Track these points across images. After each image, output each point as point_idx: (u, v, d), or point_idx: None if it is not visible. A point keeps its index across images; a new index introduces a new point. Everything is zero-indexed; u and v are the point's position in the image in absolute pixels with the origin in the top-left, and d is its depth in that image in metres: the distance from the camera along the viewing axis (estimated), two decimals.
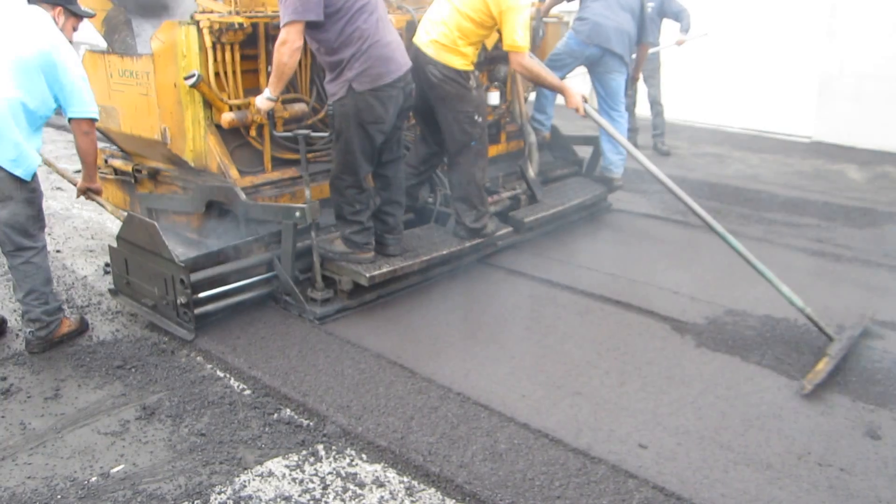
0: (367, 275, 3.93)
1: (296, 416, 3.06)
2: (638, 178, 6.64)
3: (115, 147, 4.88)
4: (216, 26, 3.80)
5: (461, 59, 4.18)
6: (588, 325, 3.90)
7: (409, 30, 4.63)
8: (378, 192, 4.16)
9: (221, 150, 4.05)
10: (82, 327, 3.83)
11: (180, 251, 3.88)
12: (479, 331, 3.82)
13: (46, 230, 3.73)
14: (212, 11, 3.89)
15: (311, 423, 3.01)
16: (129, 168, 4.63)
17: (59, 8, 3.50)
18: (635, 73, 6.15)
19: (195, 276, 3.64)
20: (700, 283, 4.43)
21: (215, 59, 3.91)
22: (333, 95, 3.81)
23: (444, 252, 4.34)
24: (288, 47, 3.58)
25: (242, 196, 3.93)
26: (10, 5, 3.42)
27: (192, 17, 3.82)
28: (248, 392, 3.25)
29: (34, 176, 3.49)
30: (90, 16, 3.68)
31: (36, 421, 3.03)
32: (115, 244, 4.03)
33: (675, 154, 8.05)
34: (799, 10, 8.46)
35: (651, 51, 7.60)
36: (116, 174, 4.80)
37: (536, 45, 5.63)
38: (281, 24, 3.60)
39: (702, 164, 7.60)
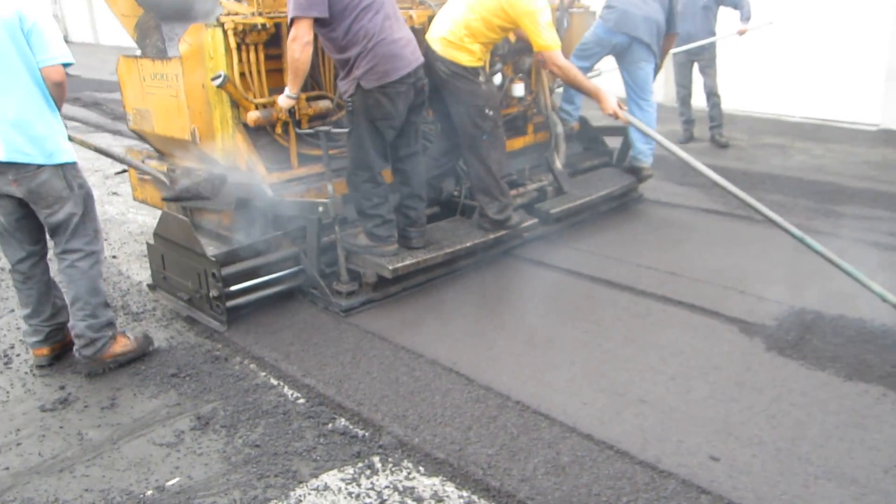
0: (391, 267, 3.98)
1: (351, 427, 2.99)
2: (669, 166, 6.46)
3: (150, 148, 5.03)
4: (240, 27, 3.91)
5: (468, 56, 4.20)
6: (650, 328, 3.74)
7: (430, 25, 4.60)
8: (398, 187, 4.20)
9: (249, 148, 4.15)
10: (141, 349, 3.56)
11: (214, 246, 4.11)
12: (535, 334, 3.70)
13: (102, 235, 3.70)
14: (236, 13, 3.97)
15: (367, 434, 2.93)
16: (163, 168, 4.75)
17: None
18: (659, 63, 5.93)
19: (226, 270, 3.81)
20: (765, 280, 4.22)
21: (240, 60, 4.01)
22: (344, 93, 3.88)
23: (469, 244, 4.34)
24: (298, 43, 3.64)
25: (269, 192, 4.03)
26: None
27: (217, 20, 3.90)
28: (302, 401, 3.19)
29: (77, 168, 3.33)
30: None
31: (93, 431, 3.02)
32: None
33: (735, 146, 7.78)
34: None
35: (708, 41, 7.37)
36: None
37: (561, 37, 5.54)
38: (288, 22, 3.67)
39: (763, 156, 7.32)
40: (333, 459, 2.78)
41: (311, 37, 3.66)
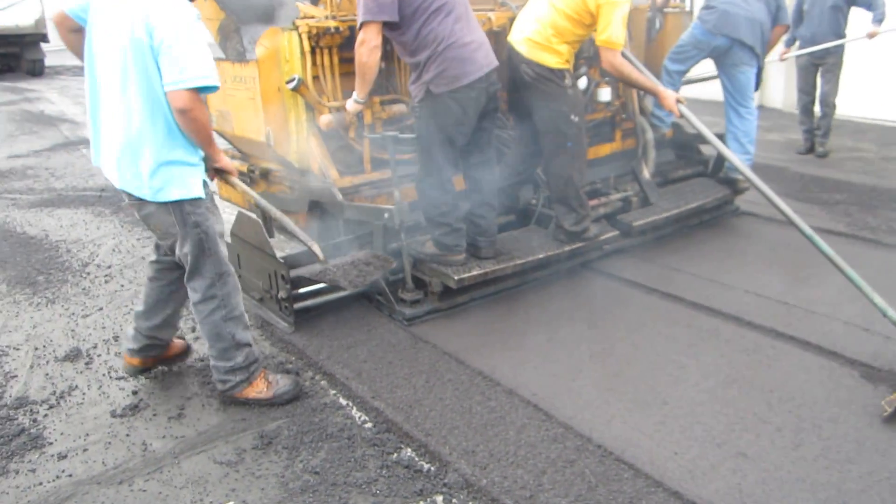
0: (456, 277, 3.87)
1: (416, 459, 2.79)
2: (772, 177, 5.92)
3: (234, 149, 5.09)
4: (314, 31, 3.92)
5: (556, 58, 4.02)
6: (756, 367, 3.36)
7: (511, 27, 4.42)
8: (469, 194, 4.05)
9: (322, 151, 4.14)
10: (278, 398, 3.16)
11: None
12: (624, 367, 3.39)
13: None
14: (311, 17, 3.95)
15: (432, 469, 2.72)
16: (244, 168, 4.78)
17: None
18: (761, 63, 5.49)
19: (294, 272, 3.81)
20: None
21: (314, 63, 4.01)
22: (414, 98, 3.77)
23: (541, 256, 4.17)
24: (366, 47, 3.59)
25: (339, 196, 4.01)
26: None
27: (293, 24, 3.90)
28: (368, 425, 3.02)
29: (197, 205, 2.90)
30: None
31: (157, 442, 2.96)
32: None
33: (862, 158, 7.11)
34: None
35: (833, 43, 6.74)
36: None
37: (652, 38, 5.36)
38: (357, 26, 3.59)
39: (894, 170, 6.64)
40: (394, 496, 2.59)
41: (379, 41, 3.61)
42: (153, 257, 3.27)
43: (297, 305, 3.89)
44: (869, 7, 6.69)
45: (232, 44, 4.81)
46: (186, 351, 3.57)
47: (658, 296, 4.15)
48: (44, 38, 17.44)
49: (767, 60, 5.48)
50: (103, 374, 3.52)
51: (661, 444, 2.81)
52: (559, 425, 2.93)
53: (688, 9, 5.81)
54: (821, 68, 7.05)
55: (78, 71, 18.66)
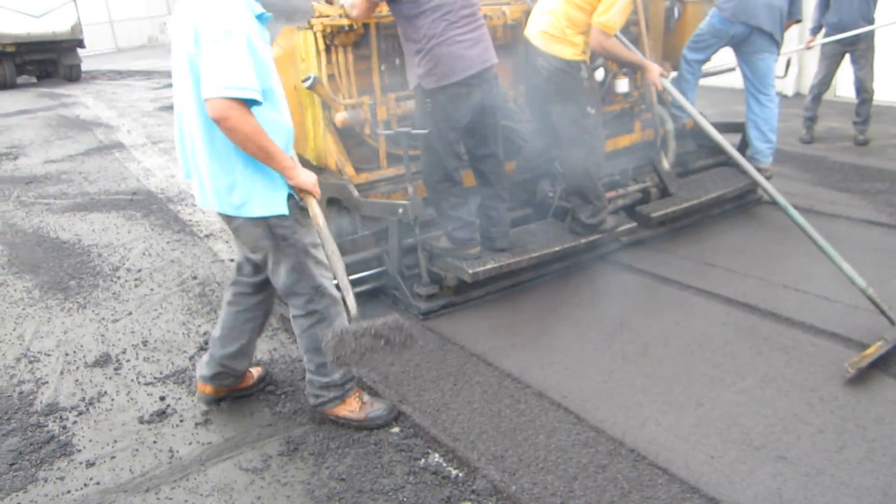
0: (471, 271, 3.85)
1: (444, 465, 2.74)
2: (799, 163, 5.75)
3: None
4: (328, 29, 3.92)
5: (571, 49, 4.01)
6: (795, 366, 3.24)
7: (526, 21, 4.40)
8: (479, 188, 4.04)
9: (338, 148, 4.17)
10: (370, 422, 2.97)
11: None
12: (658, 366, 3.30)
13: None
14: (326, 16, 3.96)
15: (460, 475, 2.67)
16: None
17: None
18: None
19: None
20: None
21: (329, 61, 4.03)
22: (410, 84, 3.85)
23: (557, 248, 4.14)
24: (357, 9, 3.74)
25: (354, 192, 4.03)
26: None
27: (308, 22, 3.91)
28: (395, 430, 2.97)
29: (286, 219, 2.73)
30: None
31: (184, 449, 2.95)
32: None
33: (892, 144, 6.86)
34: None
35: (865, 29, 6.53)
36: None
37: (671, 27, 5.30)
38: None
39: None
40: (421, 503, 2.54)
41: (365, 7, 3.73)
42: (233, 278, 3.11)
43: None
44: None
45: None
46: (263, 379, 3.37)
47: (692, 292, 4.03)
48: (80, 43, 17.75)
49: (788, 51, 5.33)
50: (132, 380, 3.53)
51: (696, 448, 2.72)
52: (590, 429, 2.85)
53: None
54: (852, 55, 6.81)
55: (113, 76, 18.97)
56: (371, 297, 4.13)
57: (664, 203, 4.78)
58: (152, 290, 4.62)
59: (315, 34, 3.93)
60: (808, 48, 7.11)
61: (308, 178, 2.69)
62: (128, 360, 3.72)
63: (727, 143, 4.19)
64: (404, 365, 3.44)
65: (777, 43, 5.10)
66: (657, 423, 2.88)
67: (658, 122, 5.11)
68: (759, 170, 5.09)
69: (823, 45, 6.83)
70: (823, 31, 6.83)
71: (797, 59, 9.08)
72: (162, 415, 3.20)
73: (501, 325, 3.81)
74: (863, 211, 5.17)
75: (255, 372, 3.36)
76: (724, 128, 5.47)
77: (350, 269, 3.90)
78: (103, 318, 4.23)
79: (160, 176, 7.73)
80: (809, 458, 2.63)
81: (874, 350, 3.16)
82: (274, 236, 2.73)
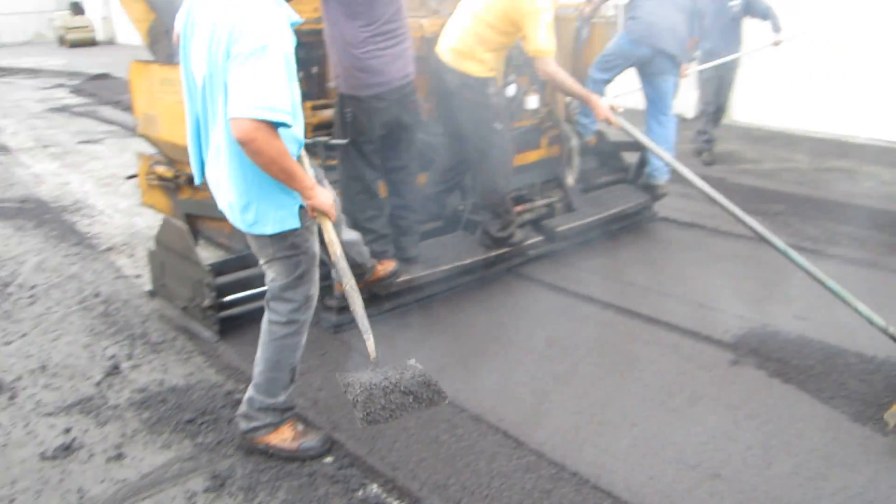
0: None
1: (384, 496, 2.63)
2: (683, 184, 6.08)
3: (160, 154, 4.93)
4: None
5: (479, 66, 4.04)
6: (719, 384, 3.33)
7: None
8: (390, 199, 4.03)
9: None
10: (302, 454, 2.82)
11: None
12: (590, 386, 3.31)
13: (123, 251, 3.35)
14: None
15: None
16: (170, 174, 4.69)
17: None
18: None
19: (221, 280, 3.76)
20: (861, 333, 3.76)
21: None
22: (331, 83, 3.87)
23: (468, 261, 4.22)
24: None
25: None
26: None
27: None
28: (329, 460, 2.84)
29: (294, 235, 2.63)
30: None
31: (95, 488, 2.70)
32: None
33: (795, 169, 7.29)
34: None
35: (742, 53, 7.17)
36: (161, 180, 4.88)
37: (579, 48, 5.44)
38: None
39: (827, 181, 6.82)
40: None
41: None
42: None
43: (223, 314, 3.81)
44: (764, 17, 7.03)
45: (162, 46, 4.65)
46: (396, 273, 3.76)
47: (614, 311, 4.09)
48: None
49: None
50: (30, 411, 3.23)
51: (635, 469, 2.73)
52: (531, 453, 2.82)
53: (614, 20, 5.88)
54: (722, 80, 7.32)
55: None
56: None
57: (569, 218, 4.92)
58: (49, 308, 4.27)
59: None
60: (684, 77, 7.47)
61: (326, 199, 2.57)
62: (24, 388, 3.41)
63: (685, 168, 4.08)
64: (333, 390, 3.31)
65: (678, 65, 5.34)
66: (595, 445, 2.88)
67: (565, 138, 5.24)
68: (655, 187, 5.41)
69: (701, 71, 7.20)
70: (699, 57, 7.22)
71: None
72: (67, 449, 2.93)
73: (427, 344, 3.74)
74: (721, 222, 5.45)
75: (385, 267, 3.69)
76: (626, 147, 5.78)
77: (255, 282, 3.84)
78: None
79: (52, 183, 7.22)
80: (742, 475, 2.70)
81: None
82: (282, 246, 2.64)
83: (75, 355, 3.71)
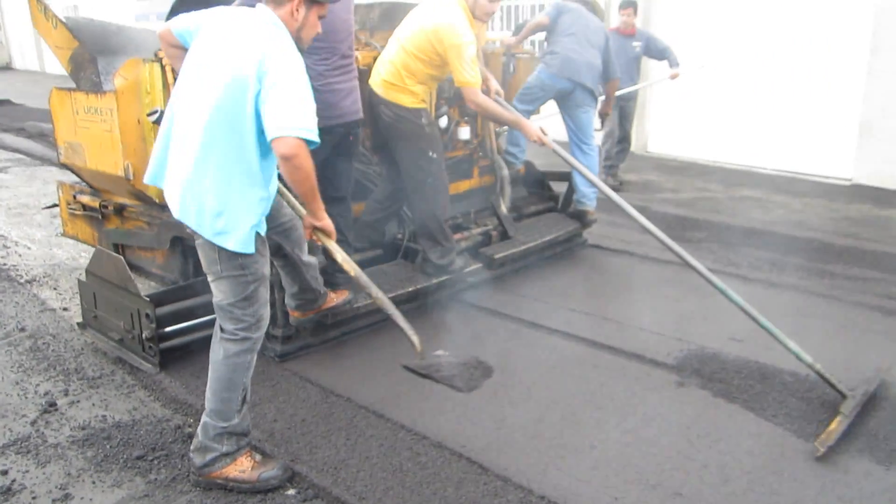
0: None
1: None
2: (610, 212, 6.40)
3: (83, 183, 4.88)
4: None
5: (411, 98, 4.19)
6: (668, 405, 3.44)
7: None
8: None
9: None
10: (263, 484, 2.75)
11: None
12: (545, 411, 3.36)
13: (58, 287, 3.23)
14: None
15: None
16: (96, 204, 4.61)
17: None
18: (606, 109, 6.25)
19: (161, 311, 3.68)
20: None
21: None
22: None
23: (411, 289, 4.27)
24: None
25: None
26: (224, 27, 2.65)
27: (155, 55, 3.76)
28: (291, 492, 2.77)
29: (249, 259, 2.66)
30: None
31: None
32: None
33: (711, 198, 7.66)
34: (837, 48, 8.14)
35: (632, 88, 7.68)
36: (85, 210, 4.80)
37: (506, 81, 5.67)
38: None
39: (742, 209, 7.20)
40: None
41: None
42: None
43: (163, 345, 3.70)
44: (662, 56, 7.77)
45: (86, 74, 4.57)
46: (349, 303, 3.77)
47: (560, 336, 4.17)
48: None
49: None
50: None
51: (599, 490, 2.78)
52: (496, 478, 2.83)
53: (537, 54, 6.16)
54: (624, 110, 7.87)
55: None
56: None
57: (505, 245, 5.03)
58: None
59: (164, 66, 3.78)
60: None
61: (330, 222, 2.87)
62: None
63: (631, 207, 4.24)
64: (288, 421, 3.23)
65: (595, 98, 5.65)
66: (558, 468, 2.92)
67: (497, 168, 5.38)
68: (584, 213, 5.64)
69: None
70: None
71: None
72: (8, 492, 2.75)
73: (379, 371, 3.72)
74: (615, 243, 5.80)
75: (339, 295, 3.69)
76: (553, 177, 6.00)
77: (198, 311, 3.81)
78: None
79: None
80: (701, 493, 2.78)
81: (836, 426, 3.14)
82: (231, 266, 2.66)
83: (5, 392, 3.49)
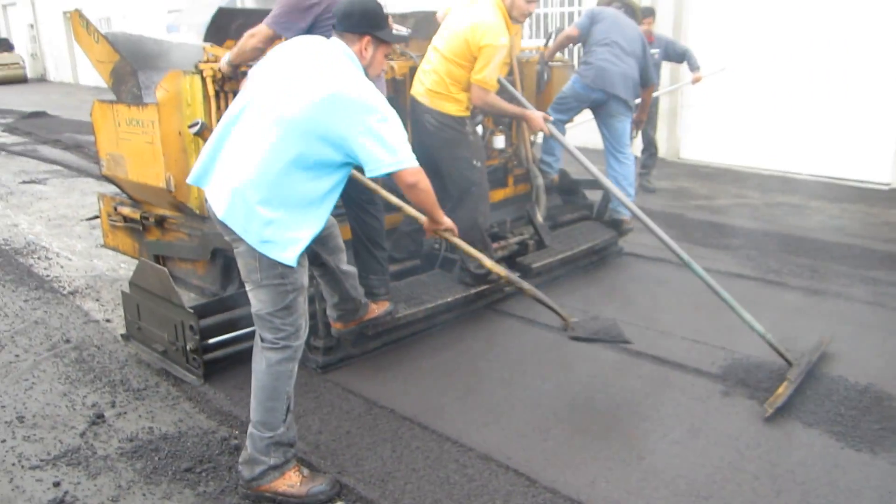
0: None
1: None
2: (668, 224, 6.30)
3: (124, 195, 4.94)
4: (218, 75, 3.84)
5: (456, 106, 4.23)
6: (715, 415, 3.39)
7: (412, 76, 4.59)
8: (354, 235, 4.00)
9: None
10: (314, 496, 2.75)
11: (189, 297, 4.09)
12: (589, 420, 3.33)
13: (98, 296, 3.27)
14: (216, 59, 3.90)
15: None
16: (137, 216, 4.68)
17: (366, 38, 2.78)
18: (641, 116, 6.16)
19: (204, 322, 3.68)
20: (840, 359, 3.90)
21: (218, 108, 3.90)
22: None
23: (450, 299, 4.26)
24: (251, 42, 3.61)
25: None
26: (303, 49, 2.76)
27: (196, 67, 3.82)
28: None
29: (290, 271, 2.68)
30: (404, 40, 3.03)
31: None
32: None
33: (747, 204, 7.57)
34: (875, 51, 8.01)
35: (667, 89, 7.95)
36: (126, 221, 4.87)
37: (541, 90, 5.68)
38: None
39: (779, 216, 7.10)
40: None
41: (262, 46, 3.61)
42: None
43: (207, 357, 3.72)
44: (680, 60, 7.72)
45: (127, 87, 4.64)
46: (391, 313, 3.81)
47: (600, 345, 4.13)
48: None
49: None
50: (13, 464, 3.05)
51: (651, 503, 2.74)
52: (545, 490, 2.80)
53: (570, 63, 6.13)
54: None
55: None
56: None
57: (542, 254, 5.01)
58: (17, 356, 4.07)
59: (204, 79, 3.84)
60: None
61: (449, 220, 3.18)
62: (3, 441, 3.23)
63: (606, 179, 4.67)
64: (333, 432, 3.24)
65: (630, 108, 5.59)
66: (607, 481, 2.88)
67: (532, 177, 5.36)
68: (620, 221, 5.60)
69: None
70: None
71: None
72: None
73: (422, 382, 3.71)
74: (729, 265, 5.59)
75: (380, 306, 3.73)
76: (587, 185, 5.97)
77: (240, 323, 3.83)
78: None
79: None
80: None
81: (783, 390, 3.44)
82: (272, 274, 2.66)
83: (53, 404, 3.54)
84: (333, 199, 2.75)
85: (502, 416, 3.38)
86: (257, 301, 2.72)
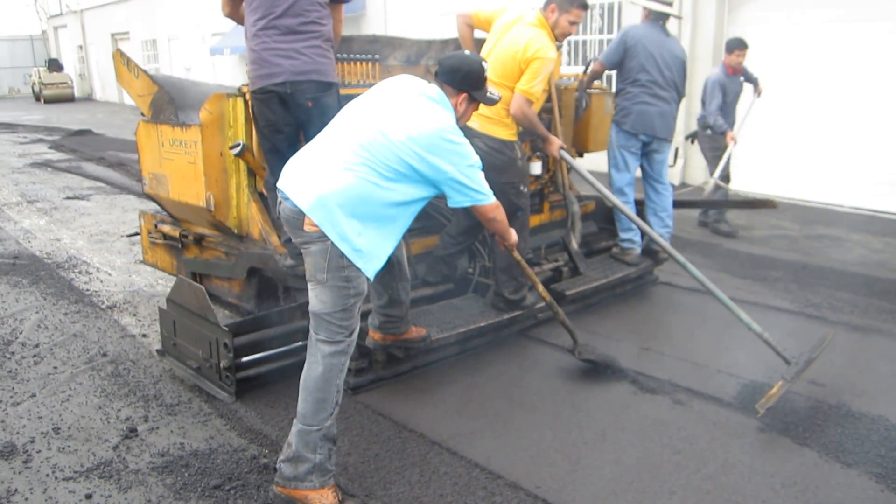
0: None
1: None
2: (688, 249, 6.34)
3: (164, 213, 5.08)
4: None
5: (506, 130, 4.25)
6: (750, 451, 3.32)
7: None
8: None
9: (263, 217, 4.17)
10: None
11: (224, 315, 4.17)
12: (621, 452, 3.28)
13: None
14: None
15: None
16: (176, 233, 4.78)
17: (464, 94, 3.01)
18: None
19: (238, 340, 3.72)
20: (863, 392, 3.81)
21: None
22: None
23: (482, 324, 4.25)
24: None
25: (282, 263, 3.91)
26: (410, 85, 2.96)
27: (239, 90, 3.92)
28: None
29: (355, 272, 2.78)
30: (494, 103, 3.20)
31: None
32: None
33: (786, 236, 7.46)
34: None
35: (742, 120, 7.61)
36: (165, 239, 4.98)
37: (579, 116, 5.64)
38: None
39: (819, 248, 6.98)
40: None
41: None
42: None
43: (240, 375, 3.77)
44: (749, 79, 7.56)
45: (165, 115, 4.75)
46: (425, 339, 3.85)
47: (632, 374, 4.09)
48: None
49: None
50: (47, 475, 3.10)
51: None
52: None
53: (610, 89, 6.06)
54: (708, 154, 7.69)
55: None
56: (297, 371, 3.86)
57: (576, 282, 4.98)
58: (56, 368, 4.15)
59: (246, 101, 3.92)
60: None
61: (515, 238, 3.47)
62: (38, 451, 3.28)
63: (626, 208, 4.76)
64: (362, 455, 3.24)
65: (670, 142, 5.53)
66: None
67: (568, 203, 5.33)
68: (656, 253, 5.52)
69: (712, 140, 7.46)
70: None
71: (683, 150, 9.78)
72: None
73: (452, 407, 3.70)
74: (767, 298, 5.50)
75: (417, 331, 3.79)
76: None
77: (273, 342, 3.89)
78: (1, 401, 3.73)
79: (42, 239, 7.11)
80: None
81: (777, 389, 3.51)
82: (338, 275, 2.75)
83: (88, 417, 3.59)
84: (411, 220, 2.94)
85: (532, 443, 3.35)
86: (318, 301, 2.79)
